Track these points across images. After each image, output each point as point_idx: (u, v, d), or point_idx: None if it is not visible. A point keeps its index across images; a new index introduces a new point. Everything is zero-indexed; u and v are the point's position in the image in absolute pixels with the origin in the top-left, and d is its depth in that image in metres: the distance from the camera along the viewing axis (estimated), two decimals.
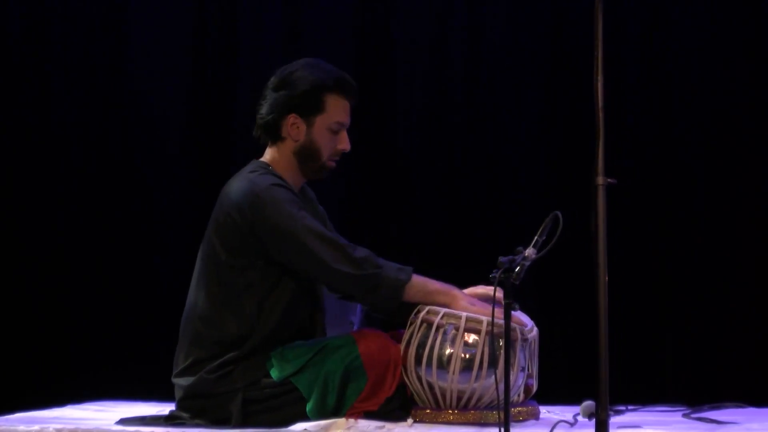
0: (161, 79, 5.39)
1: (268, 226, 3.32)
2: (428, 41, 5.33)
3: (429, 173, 5.28)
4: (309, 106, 3.45)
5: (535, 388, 3.43)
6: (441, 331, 3.27)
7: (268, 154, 3.52)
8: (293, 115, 3.45)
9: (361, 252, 3.34)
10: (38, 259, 5.28)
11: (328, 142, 3.48)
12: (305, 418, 3.28)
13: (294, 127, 3.46)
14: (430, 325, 3.29)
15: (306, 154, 3.47)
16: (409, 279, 3.32)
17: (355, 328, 4.10)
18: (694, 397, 4.06)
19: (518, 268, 2.95)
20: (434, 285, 3.38)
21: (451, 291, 3.36)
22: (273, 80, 3.49)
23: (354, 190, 5.28)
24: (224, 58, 5.39)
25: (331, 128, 3.48)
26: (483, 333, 3.25)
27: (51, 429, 3.18)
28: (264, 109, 3.48)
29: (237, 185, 3.40)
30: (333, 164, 3.52)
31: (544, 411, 3.56)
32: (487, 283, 3.27)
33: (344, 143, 3.50)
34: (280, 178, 3.43)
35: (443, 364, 3.26)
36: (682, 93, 5.14)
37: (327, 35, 5.33)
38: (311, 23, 5.36)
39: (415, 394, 3.34)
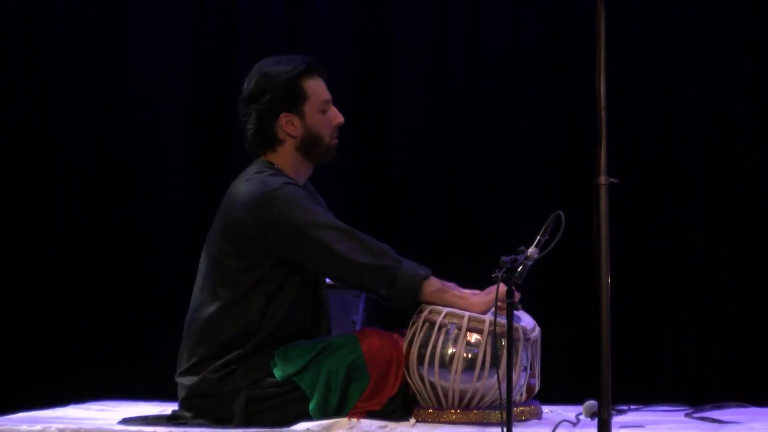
0: (161, 79, 5.39)
1: (284, 224, 3.31)
2: (428, 41, 5.34)
3: (429, 173, 5.29)
4: (294, 100, 3.45)
5: (537, 388, 3.43)
6: (443, 330, 3.27)
7: (270, 156, 3.51)
8: (283, 114, 3.45)
9: (382, 245, 3.34)
10: (38, 259, 5.29)
11: (324, 122, 3.48)
12: (308, 417, 3.28)
13: (289, 124, 3.45)
14: (432, 324, 3.29)
15: (309, 144, 3.47)
16: (428, 276, 3.32)
17: (358, 327, 4.11)
18: (695, 396, 4.07)
19: (520, 267, 2.95)
20: (452, 288, 3.37)
21: (470, 297, 3.34)
22: (246, 92, 3.47)
23: (354, 190, 5.28)
24: (224, 59, 5.39)
25: (321, 109, 3.48)
26: (485, 332, 3.25)
27: (53, 429, 3.18)
28: (252, 124, 3.46)
29: (246, 186, 3.38)
30: (336, 141, 3.52)
31: (547, 410, 3.56)
32: (489, 283, 3.29)
33: (337, 117, 3.51)
34: (289, 177, 3.43)
35: (445, 364, 3.26)
36: (682, 93, 5.14)
37: (327, 35, 5.33)
38: (311, 23, 5.37)
39: (417, 393, 3.33)
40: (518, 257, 2.97)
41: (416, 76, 5.34)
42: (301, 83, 3.45)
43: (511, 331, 2.90)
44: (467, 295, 3.35)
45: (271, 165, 3.46)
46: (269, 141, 3.47)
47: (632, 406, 3.68)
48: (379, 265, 3.30)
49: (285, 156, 3.48)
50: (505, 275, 2.94)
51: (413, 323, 3.34)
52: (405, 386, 3.34)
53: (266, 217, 3.32)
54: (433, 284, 3.33)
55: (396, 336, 3.44)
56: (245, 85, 3.48)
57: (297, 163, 3.49)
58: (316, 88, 3.48)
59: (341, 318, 4.05)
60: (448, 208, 5.26)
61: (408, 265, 3.32)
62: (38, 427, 3.19)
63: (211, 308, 3.39)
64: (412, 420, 3.30)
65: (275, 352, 3.35)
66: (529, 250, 3.00)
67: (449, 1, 5.32)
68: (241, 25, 5.39)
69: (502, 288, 2.95)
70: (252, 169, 3.46)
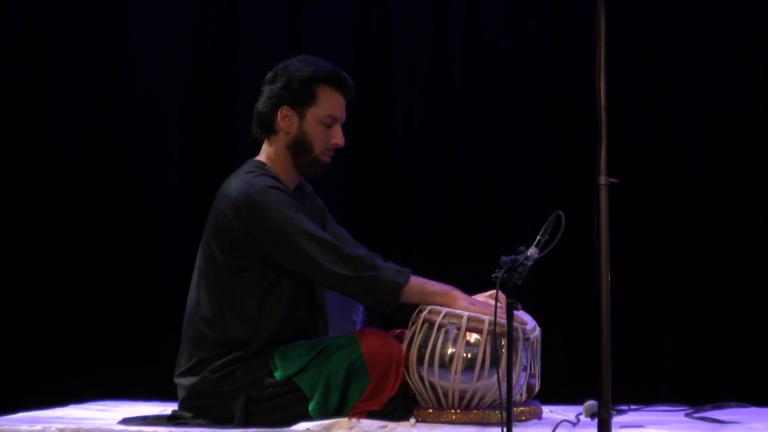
0: (161, 79, 5.39)
1: (263, 228, 3.32)
2: (428, 41, 5.34)
3: (429, 173, 5.29)
4: (301, 98, 3.44)
5: (537, 388, 3.43)
6: (443, 330, 3.27)
7: (264, 151, 3.51)
8: (285, 107, 3.44)
9: (359, 253, 3.34)
10: (38, 259, 5.28)
11: (321, 135, 3.46)
12: (308, 417, 3.28)
13: (286, 119, 3.45)
14: (431, 324, 3.28)
15: (298, 148, 3.46)
16: (406, 281, 3.31)
17: (358, 327, 4.11)
18: (695, 396, 4.07)
19: (520, 267, 2.95)
20: (433, 286, 3.37)
21: (450, 291, 3.35)
22: (269, 75, 3.50)
23: (354, 190, 5.28)
24: (224, 58, 5.39)
25: (324, 121, 3.46)
26: (485, 332, 3.25)
27: (53, 429, 3.18)
28: (260, 103, 3.49)
29: (233, 186, 3.39)
30: (327, 159, 3.50)
31: (547, 410, 3.55)
32: (490, 285, 3.28)
33: (337, 138, 3.48)
34: (276, 179, 3.42)
35: (445, 364, 3.26)
36: (682, 93, 5.14)
37: (327, 35, 5.33)
38: (311, 23, 5.37)
39: (417, 393, 3.33)
40: (518, 257, 2.97)
41: (416, 76, 5.34)
42: (314, 87, 3.44)
43: (511, 331, 2.90)
44: (448, 289, 3.35)
45: (262, 166, 3.46)
46: (265, 126, 3.48)
47: (632, 406, 3.68)
48: (356, 276, 3.29)
49: (276, 150, 3.48)
50: (505, 275, 2.94)
51: (413, 323, 3.34)
52: (405, 386, 3.34)
53: (248, 220, 3.33)
54: (414, 287, 3.32)
55: (396, 336, 3.44)
56: (275, 67, 3.50)
57: (286, 162, 3.48)
58: (330, 101, 3.46)
59: (341, 318, 4.05)
60: (448, 208, 5.26)
61: (386, 271, 3.31)
62: (38, 427, 3.19)
63: (208, 308, 3.39)
64: (412, 420, 3.29)
65: (275, 352, 3.35)
66: (529, 250, 3.00)
67: (449, 1, 5.32)
68: (241, 25, 5.39)
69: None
70: (243, 169, 3.47)
